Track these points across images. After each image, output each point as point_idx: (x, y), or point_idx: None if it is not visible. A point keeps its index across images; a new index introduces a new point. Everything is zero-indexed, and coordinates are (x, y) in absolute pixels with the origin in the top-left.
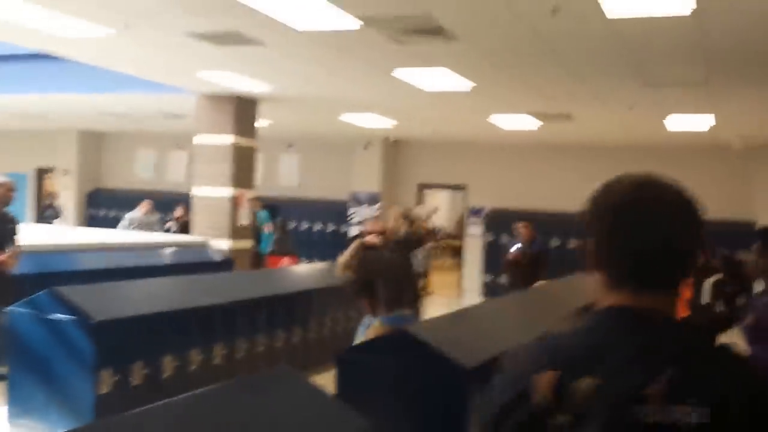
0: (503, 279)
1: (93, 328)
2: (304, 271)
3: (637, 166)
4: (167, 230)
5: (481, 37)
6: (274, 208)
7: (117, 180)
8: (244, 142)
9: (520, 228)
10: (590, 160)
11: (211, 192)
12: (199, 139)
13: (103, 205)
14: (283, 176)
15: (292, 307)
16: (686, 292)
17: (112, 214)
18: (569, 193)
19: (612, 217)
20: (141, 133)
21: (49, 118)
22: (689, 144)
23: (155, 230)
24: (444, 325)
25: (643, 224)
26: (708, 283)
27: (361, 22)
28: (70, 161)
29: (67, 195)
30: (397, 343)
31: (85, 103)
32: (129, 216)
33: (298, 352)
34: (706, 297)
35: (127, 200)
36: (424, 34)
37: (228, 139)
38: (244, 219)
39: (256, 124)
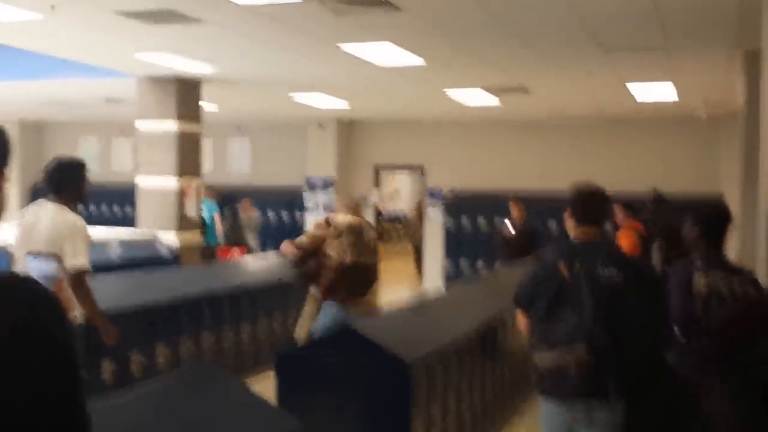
0: (498, 256)
1: None
2: (252, 264)
3: (603, 141)
4: None
5: (425, 8)
6: (224, 197)
7: None
8: (188, 127)
9: (512, 207)
10: (554, 136)
11: (156, 182)
12: (141, 125)
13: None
14: (234, 163)
15: (239, 303)
16: (622, 242)
17: None
18: (534, 172)
19: (578, 198)
20: (83, 122)
21: None
22: (658, 115)
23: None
24: (388, 319)
25: (589, 201)
26: (654, 247)
27: None
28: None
29: (7, 190)
30: (337, 338)
31: (21, 91)
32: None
33: (247, 351)
34: (655, 257)
35: None
36: (365, 5)
37: (171, 124)
38: (191, 210)
39: (201, 108)
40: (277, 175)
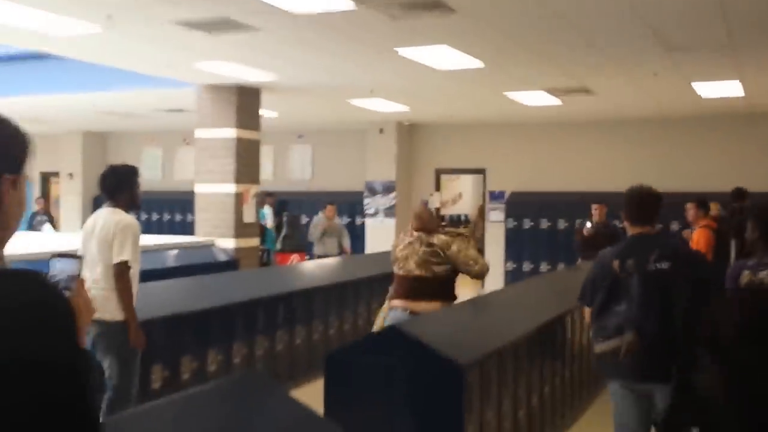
0: (578, 257)
1: None
2: (310, 268)
3: (669, 140)
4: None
5: (482, 9)
6: (281, 203)
7: None
8: (247, 134)
9: (595, 209)
10: (618, 136)
11: (215, 188)
12: (200, 134)
13: None
14: (295, 169)
15: (292, 307)
16: (698, 240)
17: None
18: (597, 172)
19: (630, 201)
20: (147, 131)
21: (49, 120)
22: (723, 113)
23: (342, 236)
24: (440, 320)
25: (641, 202)
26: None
27: (353, 2)
28: (74, 164)
29: (71, 200)
30: (388, 341)
31: (83, 103)
32: (313, 222)
33: (301, 355)
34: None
35: None
36: (420, 8)
37: (230, 132)
38: (250, 216)
39: (260, 116)
40: (338, 181)
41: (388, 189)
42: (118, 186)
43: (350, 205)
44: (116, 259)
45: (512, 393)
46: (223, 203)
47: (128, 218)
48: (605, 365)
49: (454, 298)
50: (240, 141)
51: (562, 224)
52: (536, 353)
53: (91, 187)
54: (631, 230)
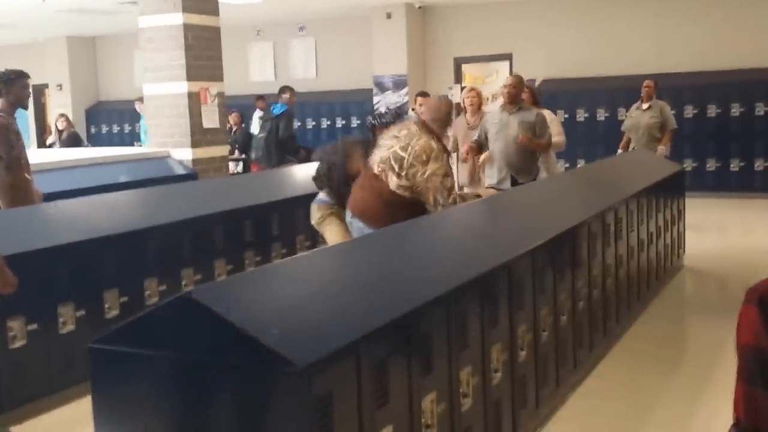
0: None
1: None
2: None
3: (727, 8)
4: (50, 145)
5: None
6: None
7: (118, 90)
8: (199, 20)
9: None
10: (665, 8)
11: (163, 89)
12: (144, 23)
13: (104, 121)
14: (297, 67)
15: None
16: None
17: (116, 128)
18: (642, 52)
19: None
20: (135, 32)
21: (19, 25)
22: None
23: None
24: (285, 278)
25: None
26: None
27: None
28: (62, 74)
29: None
30: (180, 321)
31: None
32: None
33: None
34: None
35: (131, 112)
36: None
37: (177, 18)
38: (212, 120)
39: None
40: (345, 79)
41: (399, 84)
42: None
43: (359, 104)
44: None
45: (445, 381)
46: (175, 106)
47: None
48: None
49: None
50: (189, 28)
51: (602, 115)
52: (507, 298)
53: (82, 98)
54: None
